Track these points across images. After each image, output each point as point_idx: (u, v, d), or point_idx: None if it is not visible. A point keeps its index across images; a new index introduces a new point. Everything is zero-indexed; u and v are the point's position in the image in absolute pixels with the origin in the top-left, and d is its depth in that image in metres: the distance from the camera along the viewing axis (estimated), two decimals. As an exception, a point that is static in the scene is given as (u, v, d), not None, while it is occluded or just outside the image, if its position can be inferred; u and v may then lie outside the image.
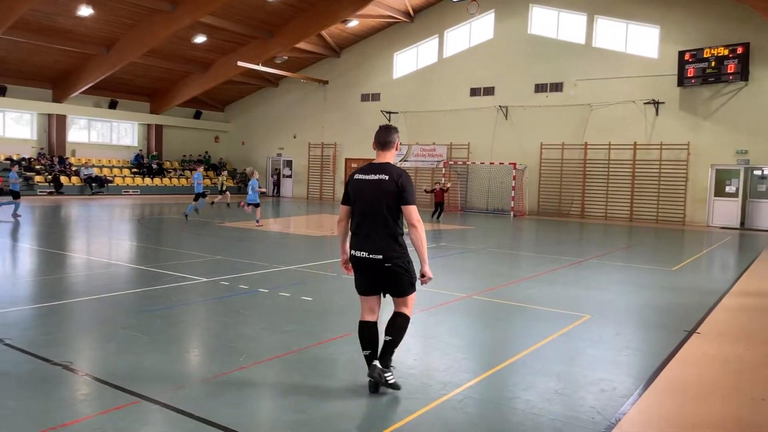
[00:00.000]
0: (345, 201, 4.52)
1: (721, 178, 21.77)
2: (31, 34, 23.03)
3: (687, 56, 21.31)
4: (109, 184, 28.57)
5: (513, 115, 25.66)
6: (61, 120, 28.82)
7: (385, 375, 4.34)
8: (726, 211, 21.55)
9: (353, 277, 4.54)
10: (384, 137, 4.47)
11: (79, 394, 4.30)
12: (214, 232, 15.59)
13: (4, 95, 26.61)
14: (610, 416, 4.12)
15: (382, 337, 4.48)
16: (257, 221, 16.75)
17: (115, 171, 30.02)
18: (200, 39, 26.05)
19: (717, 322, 7.06)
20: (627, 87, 22.94)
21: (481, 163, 25.80)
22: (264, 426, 3.88)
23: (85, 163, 29.00)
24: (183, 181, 32.16)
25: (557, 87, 24.65)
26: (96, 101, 30.05)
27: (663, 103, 22.31)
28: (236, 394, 4.36)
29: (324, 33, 27.94)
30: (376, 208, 4.30)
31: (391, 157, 4.48)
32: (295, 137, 33.25)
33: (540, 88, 25.03)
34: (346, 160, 31.39)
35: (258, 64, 27.33)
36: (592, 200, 24.12)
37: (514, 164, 24.13)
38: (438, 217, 20.19)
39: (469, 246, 14.54)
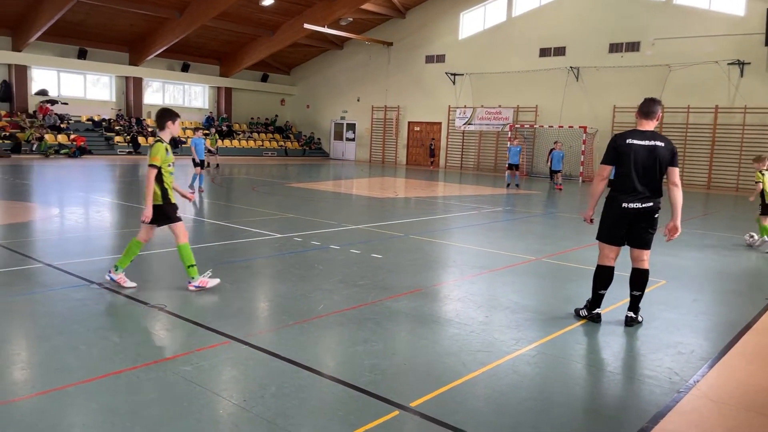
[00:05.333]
0: (610, 161, 5.06)
1: (811, 145, 20.44)
2: (109, -3, 23.90)
3: (778, 12, 19.87)
4: (183, 145, 29.63)
5: (585, 76, 24.77)
6: (138, 82, 29.98)
7: (638, 318, 5.21)
8: (814, 180, 20.25)
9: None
10: (647, 107, 5.06)
11: (176, 333, 4.65)
12: (283, 191, 16.04)
13: (84, 58, 27.88)
14: (687, 377, 4.10)
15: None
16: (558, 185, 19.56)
17: (188, 132, 31.03)
18: (268, 2, 26.29)
19: (802, 291, 6.77)
20: (709, 46, 21.67)
21: (549, 126, 25.14)
22: (344, 368, 4.08)
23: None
24: (251, 143, 32.93)
25: (633, 46, 23.55)
26: (169, 64, 31.02)
27: (749, 63, 20.98)
28: (317, 339, 4.59)
29: (390, -7, 27.64)
30: (649, 168, 4.91)
31: (653, 125, 5.06)
32: (358, 100, 33.32)
33: (615, 47, 23.99)
34: (409, 123, 31.27)
35: (324, 26, 27.38)
36: (666, 166, 23.14)
37: (585, 128, 23.40)
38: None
39: (533, 210, 14.37)
